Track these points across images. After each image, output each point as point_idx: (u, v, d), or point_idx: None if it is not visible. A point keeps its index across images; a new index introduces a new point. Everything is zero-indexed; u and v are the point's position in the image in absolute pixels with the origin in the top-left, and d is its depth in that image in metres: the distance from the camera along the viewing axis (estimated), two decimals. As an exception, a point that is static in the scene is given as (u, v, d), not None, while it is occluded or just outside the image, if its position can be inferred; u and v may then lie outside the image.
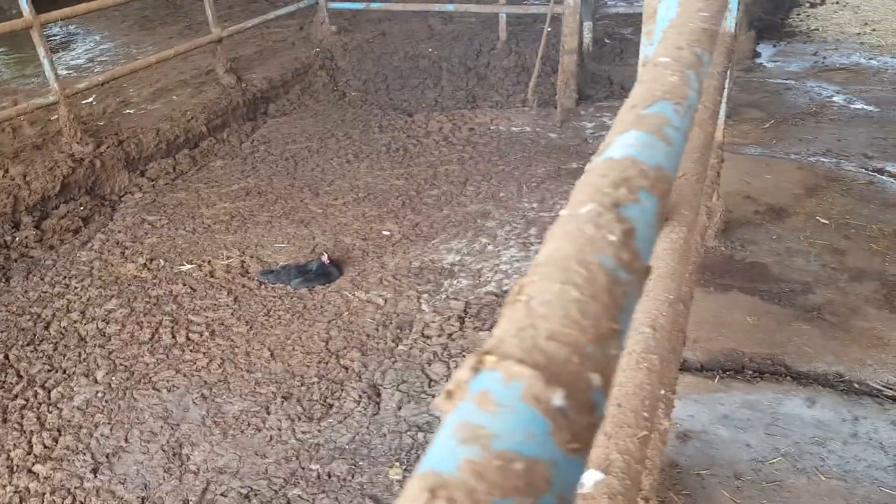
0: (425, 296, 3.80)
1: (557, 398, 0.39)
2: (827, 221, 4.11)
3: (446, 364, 3.33)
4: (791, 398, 2.84)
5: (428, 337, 3.52)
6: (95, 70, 6.57)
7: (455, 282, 3.91)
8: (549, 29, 5.88)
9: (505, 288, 3.81)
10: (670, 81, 0.84)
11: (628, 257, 0.53)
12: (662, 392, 2.03)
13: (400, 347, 3.46)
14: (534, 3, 7.98)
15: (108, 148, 5.14)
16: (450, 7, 6.81)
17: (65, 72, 6.59)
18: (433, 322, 3.60)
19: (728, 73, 3.35)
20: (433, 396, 3.17)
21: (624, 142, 0.70)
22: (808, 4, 9.04)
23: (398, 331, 3.57)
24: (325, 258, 3.95)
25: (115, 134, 5.30)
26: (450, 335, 3.49)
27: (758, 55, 7.15)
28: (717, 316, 3.35)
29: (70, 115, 4.96)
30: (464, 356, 3.37)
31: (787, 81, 6.45)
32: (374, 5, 7.26)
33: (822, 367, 2.99)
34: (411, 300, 3.78)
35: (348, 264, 4.12)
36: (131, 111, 5.73)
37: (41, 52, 4.70)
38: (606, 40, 7.09)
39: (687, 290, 2.43)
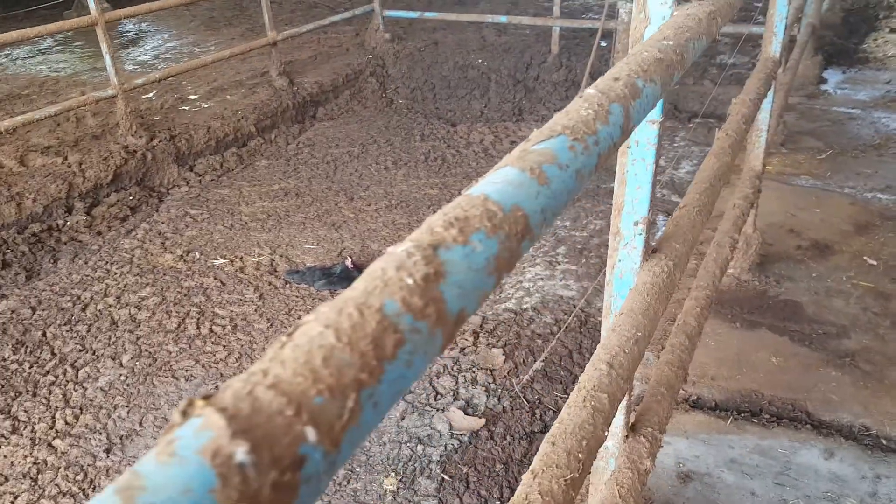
0: (444, 307, 3.78)
1: (241, 452, 0.38)
2: (875, 262, 3.87)
3: (455, 378, 3.31)
4: (808, 448, 2.68)
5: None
6: (159, 66, 6.86)
7: (476, 295, 3.88)
8: (603, 44, 5.80)
9: (524, 306, 3.76)
10: (580, 115, 0.81)
11: (421, 303, 0.51)
12: (649, 430, 1.96)
13: (412, 357, 3.45)
14: (591, 16, 7.88)
15: (160, 142, 5.36)
16: (502, 19, 6.80)
17: (131, 67, 6.92)
18: (448, 334, 3.57)
19: (767, 100, 3.21)
20: (438, 410, 3.16)
21: (493, 178, 0.68)
22: (888, 29, 8.58)
23: (412, 340, 3.56)
24: (348, 262, 3.99)
25: (169, 129, 5.52)
26: (462, 349, 3.47)
27: (823, 81, 6.83)
28: (740, 353, 3.20)
29: (127, 108, 5.19)
30: (473, 371, 3.34)
31: (853, 111, 6.14)
32: (428, 15, 7.32)
33: (848, 417, 2.81)
34: (429, 311, 3.77)
35: (372, 270, 4.15)
36: (186, 108, 5.95)
37: (104, 47, 4.94)
38: (662, 59, 6.91)
39: (695, 326, 2.35)
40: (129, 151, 5.15)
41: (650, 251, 1.68)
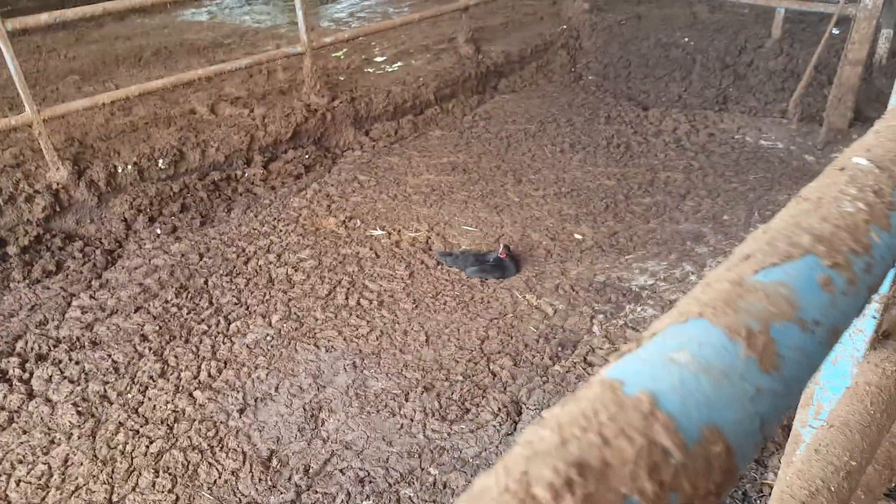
0: (600, 316, 3.39)
1: None
2: None
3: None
4: None
5: (590, 364, 3.13)
6: (352, 25, 6.95)
7: (639, 308, 3.43)
8: (836, 32, 4.87)
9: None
10: (841, 213, 0.43)
11: None
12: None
13: (556, 367, 3.13)
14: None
15: (340, 103, 5.40)
16: (719, -7, 5.99)
17: (326, 24, 7.07)
18: (601, 348, 3.19)
19: None
20: None
21: (666, 348, 0.34)
22: None
23: (559, 348, 3.23)
24: (500, 250, 3.72)
25: (351, 91, 5.54)
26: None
27: None
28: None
29: (313, 66, 5.26)
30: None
31: None
32: (632, -15, 6.67)
33: None
34: (583, 318, 3.40)
35: (528, 263, 3.84)
36: (371, 70, 5.95)
37: (297, 2, 5.01)
38: (911, 53, 5.71)
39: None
40: (311, 110, 5.24)
41: (880, 336, 1.20)
